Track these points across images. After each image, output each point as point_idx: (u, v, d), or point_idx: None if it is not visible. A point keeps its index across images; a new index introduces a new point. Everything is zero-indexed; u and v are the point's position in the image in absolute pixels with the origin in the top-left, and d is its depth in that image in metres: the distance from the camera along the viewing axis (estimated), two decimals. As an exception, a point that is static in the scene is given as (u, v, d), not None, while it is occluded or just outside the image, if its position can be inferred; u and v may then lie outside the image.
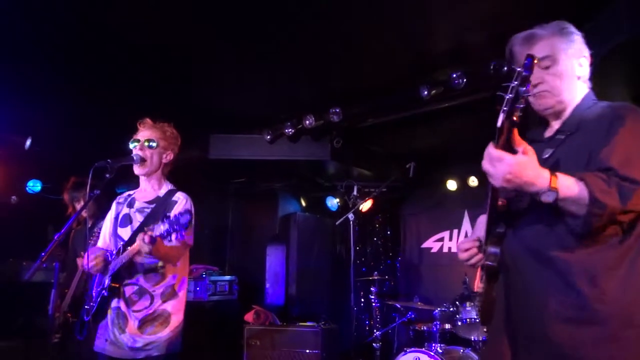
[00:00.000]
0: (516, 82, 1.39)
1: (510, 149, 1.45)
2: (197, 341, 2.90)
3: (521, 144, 1.45)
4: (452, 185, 6.10)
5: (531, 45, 1.75)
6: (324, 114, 4.67)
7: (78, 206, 3.81)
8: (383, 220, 6.97)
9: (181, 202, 2.72)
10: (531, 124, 1.90)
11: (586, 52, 1.78)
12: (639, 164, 1.50)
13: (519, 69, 1.40)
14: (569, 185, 1.44)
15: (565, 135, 1.70)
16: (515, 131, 1.44)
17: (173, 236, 2.34)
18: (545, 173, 1.45)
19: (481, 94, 3.89)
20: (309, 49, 3.73)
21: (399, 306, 4.92)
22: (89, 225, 3.74)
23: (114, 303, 2.65)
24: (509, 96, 1.39)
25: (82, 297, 3.36)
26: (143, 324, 2.59)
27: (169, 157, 2.80)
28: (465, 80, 3.76)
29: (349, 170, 5.99)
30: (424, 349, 4.03)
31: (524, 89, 1.39)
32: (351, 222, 4.79)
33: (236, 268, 6.31)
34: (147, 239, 2.33)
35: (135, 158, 2.66)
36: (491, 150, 1.45)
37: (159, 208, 2.70)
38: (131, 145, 2.73)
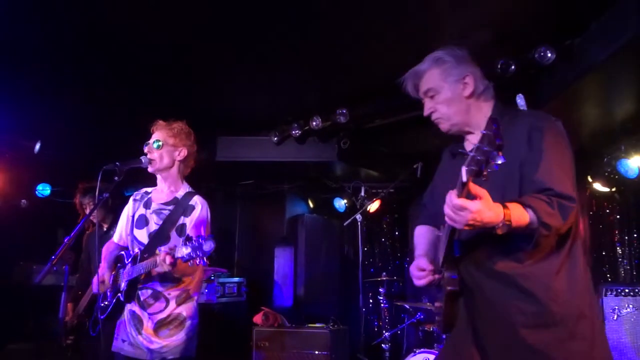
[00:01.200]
0: (486, 148, 1.37)
1: (469, 196, 1.54)
2: (206, 343, 2.91)
3: (476, 190, 1.53)
4: (459, 185, 6.06)
5: (419, 80, 1.97)
6: (330, 115, 4.67)
7: (87, 211, 3.84)
8: (391, 221, 6.95)
9: (198, 207, 2.69)
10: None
11: (468, 71, 1.91)
12: (569, 178, 1.70)
13: (488, 133, 1.38)
14: (519, 215, 1.58)
15: None
16: (470, 179, 1.49)
17: (195, 261, 2.32)
18: (499, 209, 1.57)
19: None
20: (315, 50, 3.73)
21: (407, 307, 4.90)
22: (105, 229, 3.76)
23: (129, 305, 2.66)
24: (479, 157, 1.39)
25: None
26: (158, 327, 2.59)
27: (182, 154, 2.74)
28: (472, 79, 3.74)
29: (356, 171, 5.98)
30: (433, 349, 4.01)
31: (497, 154, 1.37)
32: (359, 223, 4.79)
33: (244, 270, 6.32)
34: (168, 260, 2.34)
35: (143, 161, 2.66)
36: (454, 201, 1.52)
37: (177, 211, 2.67)
38: (144, 151, 2.73)
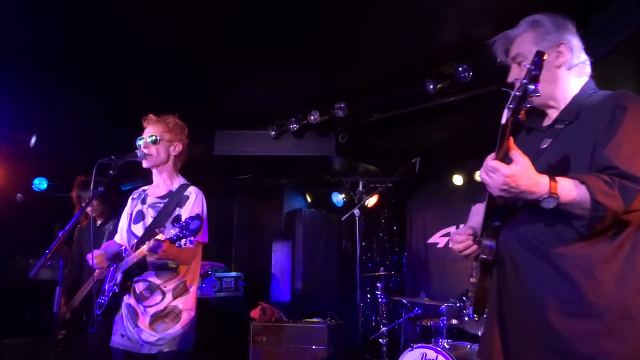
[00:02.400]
0: (525, 80, 1.35)
1: (509, 159, 1.45)
2: (203, 338, 2.91)
3: (516, 155, 1.44)
4: (458, 180, 6.06)
5: (509, 44, 1.79)
6: (329, 109, 4.64)
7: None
8: (389, 216, 6.94)
9: (192, 197, 2.70)
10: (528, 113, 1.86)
11: (565, 39, 1.74)
12: None
13: (528, 66, 1.37)
14: (569, 190, 1.44)
15: (564, 125, 1.68)
16: (511, 139, 1.43)
17: (182, 241, 2.32)
18: (544, 179, 1.44)
19: (488, 88, 3.85)
20: (314, 43, 3.70)
21: (405, 302, 4.91)
22: (99, 224, 3.74)
23: (125, 299, 2.67)
24: (515, 93, 1.35)
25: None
26: (154, 320, 2.60)
27: (177, 149, 2.78)
28: (471, 73, 3.71)
29: (354, 165, 5.97)
30: (431, 344, 4.01)
31: (533, 87, 1.35)
32: (357, 218, 4.77)
33: (242, 265, 6.32)
34: (153, 242, 2.34)
35: (139, 154, 2.66)
36: (487, 161, 1.45)
37: (171, 203, 2.69)
38: (137, 143, 2.73)
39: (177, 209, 2.69)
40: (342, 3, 3.21)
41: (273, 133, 5.15)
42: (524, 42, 1.75)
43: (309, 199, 6.95)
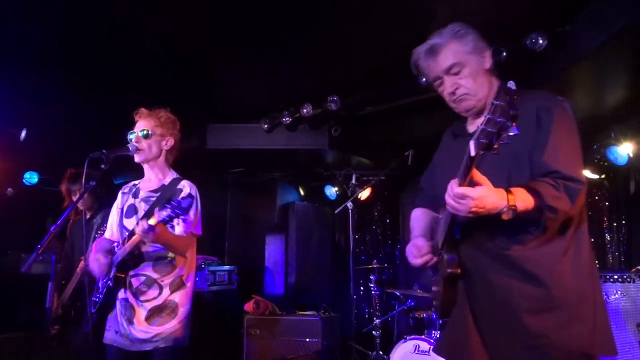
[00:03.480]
0: (500, 119, 1.31)
1: (470, 184, 1.52)
2: (197, 331, 2.91)
3: (478, 177, 1.52)
4: (451, 172, 6.07)
5: (435, 56, 1.83)
6: (322, 102, 4.63)
7: (75, 198, 3.78)
8: (382, 209, 6.96)
9: (186, 190, 2.67)
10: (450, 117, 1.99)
11: (486, 45, 1.86)
12: (577, 160, 1.68)
13: (500, 103, 1.31)
14: (524, 200, 1.56)
15: None
16: (474, 167, 1.49)
17: (175, 221, 2.30)
18: (503, 194, 1.55)
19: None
20: (307, 37, 3.69)
21: (398, 294, 4.93)
22: (87, 217, 3.72)
23: (120, 294, 2.64)
24: (488, 129, 1.33)
25: (83, 289, 3.35)
26: (151, 314, 2.58)
27: (169, 143, 2.75)
28: (464, 67, 3.72)
29: (347, 158, 5.97)
30: (424, 336, 4.05)
31: (512, 131, 1.32)
32: (350, 211, 4.79)
33: (235, 258, 6.30)
34: (145, 224, 2.30)
35: (131, 148, 2.63)
36: (455, 189, 1.52)
37: (164, 196, 2.65)
38: (129, 137, 2.70)
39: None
40: (334, -4, 3.20)
41: (266, 126, 5.13)
42: (456, 51, 1.81)
43: (302, 192, 6.95)
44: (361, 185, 5.25)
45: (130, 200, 2.76)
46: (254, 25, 3.52)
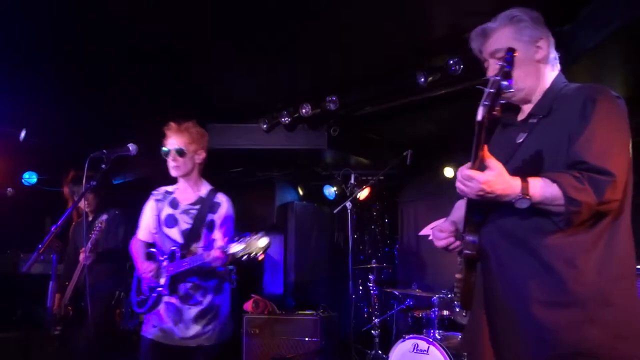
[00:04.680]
0: (498, 77, 1.39)
1: (482, 167, 1.50)
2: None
3: (490, 162, 1.49)
4: (449, 172, 6.09)
5: (485, 39, 1.81)
6: (320, 102, 4.64)
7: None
8: (381, 208, 6.97)
9: (224, 205, 2.88)
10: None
11: (543, 34, 1.78)
12: (612, 152, 1.54)
13: (500, 63, 1.42)
14: (541, 189, 1.50)
15: (538, 119, 1.72)
16: (485, 148, 1.48)
17: (244, 258, 2.45)
18: (517, 182, 1.50)
19: (479, 81, 3.86)
20: (305, 37, 3.70)
21: (397, 293, 4.94)
22: (90, 219, 3.73)
23: (166, 298, 2.76)
24: (489, 90, 1.39)
25: (83, 289, 3.38)
26: (197, 317, 2.73)
27: (201, 156, 2.91)
28: (462, 66, 3.73)
29: (346, 158, 5.98)
30: (422, 335, 4.05)
31: (506, 84, 1.39)
32: (349, 211, 4.79)
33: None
34: (219, 253, 2.52)
35: (131, 148, 2.66)
36: (462, 171, 1.52)
37: (203, 209, 2.83)
38: (163, 154, 2.84)
39: (210, 214, 2.83)
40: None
41: (265, 126, 5.14)
42: (502, 37, 1.77)
43: (300, 192, 6.96)
44: (360, 185, 5.25)
45: (169, 210, 2.87)
46: (253, 25, 3.52)
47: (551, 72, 1.80)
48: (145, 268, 2.78)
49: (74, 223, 3.92)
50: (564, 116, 1.63)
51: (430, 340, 3.93)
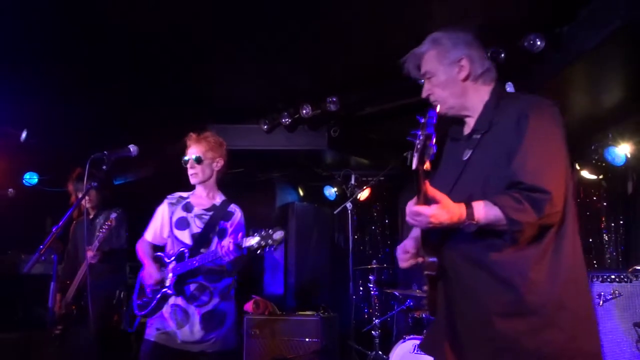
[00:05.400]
0: (421, 137, 1.49)
1: (427, 201, 1.58)
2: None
3: (433, 194, 1.58)
4: (449, 173, 6.09)
5: (419, 62, 1.95)
6: (321, 103, 4.65)
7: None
8: (381, 209, 6.97)
9: (238, 214, 2.94)
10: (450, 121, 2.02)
11: (464, 53, 1.86)
12: (546, 169, 1.62)
13: (422, 120, 1.52)
14: (485, 212, 1.59)
15: (480, 135, 1.81)
16: (427, 183, 1.57)
17: (264, 249, 2.48)
18: (462, 209, 1.59)
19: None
20: (305, 37, 3.70)
21: (397, 294, 4.94)
22: (91, 217, 3.74)
23: (171, 300, 2.76)
24: (417, 146, 1.49)
25: (85, 289, 3.39)
26: (202, 320, 2.71)
27: (219, 164, 2.97)
28: (462, 67, 3.74)
29: (346, 159, 5.98)
30: (423, 336, 4.05)
31: (431, 144, 1.48)
32: (349, 211, 4.79)
33: (235, 258, 6.30)
34: (231, 245, 2.50)
35: (132, 149, 2.67)
36: (411, 208, 1.61)
37: (217, 216, 2.88)
38: (183, 163, 2.89)
39: (222, 222, 2.87)
40: (333, -3, 3.22)
41: (265, 127, 5.15)
42: (429, 60, 1.91)
43: (301, 193, 6.97)
44: (360, 186, 5.26)
45: (182, 213, 2.89)
46: (253, 26, 3.53)
47: (484, 87, 1.88)
48: (150, 276, 2.77)
49: (74, 222, 3.93)
50: (501, 132, 1.73)
51: (431, 340, 3.92)
